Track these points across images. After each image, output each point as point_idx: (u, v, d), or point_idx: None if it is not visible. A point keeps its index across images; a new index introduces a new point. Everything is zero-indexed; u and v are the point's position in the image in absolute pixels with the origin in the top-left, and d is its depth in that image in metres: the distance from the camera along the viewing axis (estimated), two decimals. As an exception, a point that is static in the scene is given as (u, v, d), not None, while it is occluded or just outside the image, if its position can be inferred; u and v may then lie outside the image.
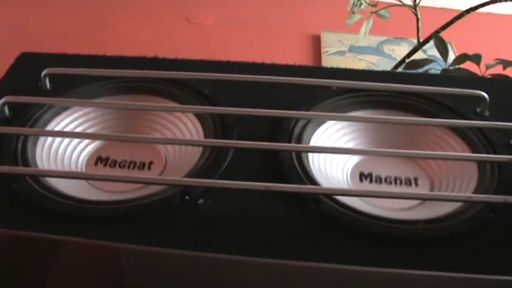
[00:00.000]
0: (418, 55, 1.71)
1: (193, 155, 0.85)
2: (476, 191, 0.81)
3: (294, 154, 0.83)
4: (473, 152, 0.86)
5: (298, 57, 2.33)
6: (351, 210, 0.76)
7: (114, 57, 1.02)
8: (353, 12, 1.70)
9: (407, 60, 1.66)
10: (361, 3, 1.68)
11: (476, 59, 1.41)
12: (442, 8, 2.57)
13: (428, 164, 0.89)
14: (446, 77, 1.27)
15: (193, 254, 0.72)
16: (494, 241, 0.73)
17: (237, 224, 0.75)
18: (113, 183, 0.82)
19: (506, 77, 1.25)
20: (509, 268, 0.70)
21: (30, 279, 0.83)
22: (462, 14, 1.60)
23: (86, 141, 0.90)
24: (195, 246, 0.72)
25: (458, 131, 0.89)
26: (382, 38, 2.40)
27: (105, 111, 0.93)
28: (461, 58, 1.44)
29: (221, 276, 0.77)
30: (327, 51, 2.32)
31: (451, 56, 1.50)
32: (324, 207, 0.76)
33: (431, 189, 0.86)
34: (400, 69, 1.71)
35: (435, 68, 1.51)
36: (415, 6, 1.70)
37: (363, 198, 0.83)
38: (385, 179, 0.87)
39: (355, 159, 0.90)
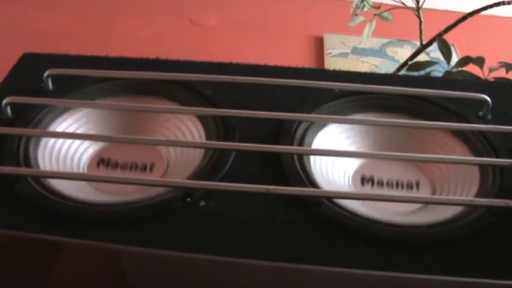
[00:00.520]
0: (421, 58, 1.71)
1: (195, 156, 0.85)
2: (477, 195, 0.81)
3: (295, 157, 0.83)
4: (475, 156, 0.86)
5: (301, 59, 2.32)
6: (352, 213, 0.76)
7: (117, 58, 1.02)
8: (356, 15, 1.69)
9: (410, 63, 1.66)
10: (364, 6, 1.67)
11: (480, 61, 1.41)
12: (445, 11, 2.57)
13: (430, 168, 0.89)
14: (449, 80, 1.27)
15: (194, 256, 0.72)
16: (495, 245, 0.73)
17: (238, 226, 0.75)
18: (114, 185, 0.82)
19: (509, 80, 1.25)
20: (509, 272, 0.70)
21: (32, 280, 0.84)
22: (465, 17, 1.60)
23: (88, 142, 0.90)
24: (196, 249, 0.72)
25: (460, 134, 0.89)
26: (385, 40, 2.39)
27: (107, 112, 0.93)
28: (464, 61, 1.44)
29: (222, 279, 0.77)
30: (329, 53, 2.32)
31: (454, 59, 1.50)
32: (325, 210, 0.76)
33: (433, 193, 0.86)
34: (402, 72, 1.70)
35: (438, 70, 1.51)
36: (418, 8, 1.70)
37: (365, 201, 0.82)
38: (387, 183, 0.87)
39: (356, 162, 0.90)
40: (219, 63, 1.02)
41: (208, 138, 0.88)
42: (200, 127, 0.90)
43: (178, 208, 0.76)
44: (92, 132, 0.92)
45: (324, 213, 0.76)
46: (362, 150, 0.92)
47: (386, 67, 2.20)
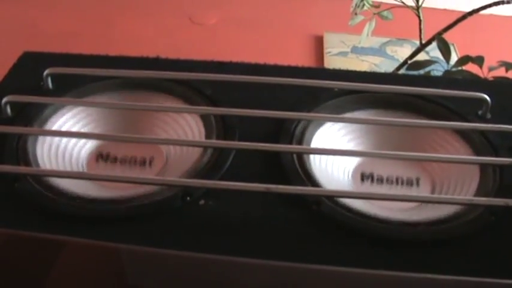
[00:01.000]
0: (421, 57, 1.71)
1: (195, 152, 0.85)
2: (477, 193, 0.81)
3: (295, 155, 0.83)
4: (475, 154, 0.86)
5: (301, 57, 2.33)
6: (352, 212, 0.76)
7: (117, 57, 1.02)
8: (355, 14, 1.70)
9: (409, 62, 1.66)
10: (363, 5, 1.68)
11: (479, 61, 1.41)
12: (445, 10, 2.57)
13: (430, 165, 0.89)
14: (449, 79, 1.28)
15: (193, 255, 0.72)
16: (494, 244, 0.73)
17: (238, 225, 0.75)
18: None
19: (509, 79, 1.25)
20: (509, 271, 0.70)
21: (31, 279, 0.83)
22: (465, 16, 1.60)
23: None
24: (195, 247, 0.72)
25: (460, 132, 0.89)
26: (385, 39, 2.40)
27: (107, 110, 0.93)
28: (464, 60, 1.44)
29: (222, 278, 0.77)
30: (329, 52, 2.32)
31: (454, 58, 1.50)
32: (325, 208, 0.76)
33: (433, 190, 0.86)
34: (402, 71, 1.71)
35: (437, 70, 1.51)
36: (417, 7, 1.70)
37: (364, 199, 0.83)
38: (387, 179, 0.87)
39: (356, 159, 0.90)
40: (218, 62, 1.02)
41: (208, 136, 0.88)
42: (200, 124, 0.90)
43: (177, 207, 0.76)
44: (91, 128, 0.92)
45: (323, 211, 0.76)
46: (361, 146, 0.92)
47: (386, 66, 2.21)
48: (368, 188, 0.87)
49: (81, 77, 0.94)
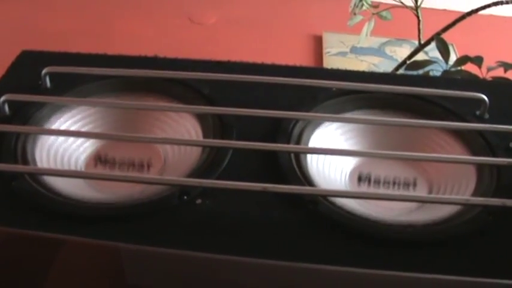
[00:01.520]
0: (420, 57, 1.71)
1: (192, 154, 0.85)
2: (474, 194, 0.81)
3: (292, 155, 0.83)
4: (473, 154, 0.86)
5: (300, 57, 2.33)
6: (349, 212, 0.76)
7: (115, 56, 1.03)
8: (354, 14, 1.70)
9: (408, 62, 1.66)
10: (362, 5, 1.68)
11: (478, 61, 1.41)
12: (444, 10, 2.57)
13: (427, 165, 0.89)
14: (447, 79, 1.28)
15: (191, 254, 0.72)
16: (491, 244, 0.73)
17: (235, 224, 0.75)
18: (111, 182, 0.82)
19: (507, 79, 1.25)
20: (507, 271, 0.70)
21: (28, 278, 0.83)
22: (464, 16, 1.60)
23: (85, 139, 0.91)
24: (192, 246, 0.72)
25: (457, 132, 0.89)
26: (384, 40, 2.40)
27: (105, 109, 0.93)
28: (463, 60, 1.44)
29: (218, 277, 0.77)
30: (328, 52, 2.32)
31: (453, 58, 1.50)
32: (322, 208, 0.76)
33: (430, 191, 0.86)
34: (401, 71, 1.71)
35: (436, 70, 1.51)
36: (416, 7, 1.71)
37: (361, 199, 0.82)
38: (384, 181, 0.87)
39: (354, 160, 0.90)
40: (217, 61, 1.02)
41: (205, 136, 0.88)
42: (197, 125, 0.90)
43: (175, 206, 0.76)
44: (89, 128, 0.92)
45: (320, 211, 0.76)
46: (359, 147, 0.92)
47: (385, 66, 2.21)
48: (365, 189, 0.87)
49: (80, 76, 0.94)
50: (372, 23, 1.74)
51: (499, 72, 1.37)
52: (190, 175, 0.80)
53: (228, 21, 2.57)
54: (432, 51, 1.90)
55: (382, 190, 0.86)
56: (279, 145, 0.85)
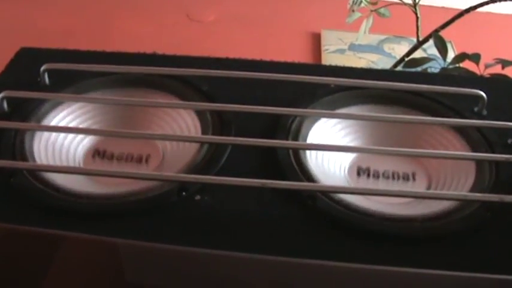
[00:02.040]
0: (418, 54, 1.72)
1: (191, 149, 0.85)
2: (473, 189, 0.81)
3: (291, 151, 0.83)
4: (472, 149, 0.87)
5: (299, 55, 2.33)
6: (348, 207, 0.76)
7: (113, 53, 1.03)
8: (353, 11, 1.70)
9: (406, 59, 1.66)
10: (361, 2, 1.68)
11: (475, 58, 1.41)
12: (443, 7, 2.57)
13: (426, 160, 0.89)
14: (445, 76, 1.28)
15: (189, 250, 0.72)
16: (489, 240, 0.74)
17: (234, 220, 0.75)
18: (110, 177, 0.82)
19: (505, 76, 1.25)
20: (504, 267, 0.71)
21: (27, 274, 0.84)
22: (462, 13, 1.60)
23: (84, 135, 0.91)
24: (191, 243, 0.72)
25: (456, 128, 0.89)
26: (382, 37, 2.40)
27: (104, 106, 0.93)
28: (461, 57, 1.45)
29: (217, 273, 0.77)
30: (327, 49, 2.32)
31: (451, 55, 1.50)
32: (320, 204, 0.76)
33: (429, 185, 0.87)
34: (399, 68, 1.71)
35: (434, 67, 1.51)
36: (414, 5, 1.71)
37: (360, 194, 0.83)
38: (383, 174, 0.87)
39: (352, 154, 0.90)
40: (215, 58, 1.02)
41: (204, 132, 0.88)
42: (196, 120, 0.90)
43: (173, 202, 0.76)
44: (88, 124, 0.92)
45: (319, 207, 0.76)
46: (357, 142, 0.92)
47: (384, 63, 2.21)
48: (364, 183, 0.87)
49: (78, 73, 0.94)
50: (371, 20, 1.74)
51: (497, 69, 1.37)
52: (189, 171, 0.80)
53: (226, 19, 2.57)
54: (430, 49, 1.90)
55: (381, 183, 0.86)
56: (278, 141, 0.85)
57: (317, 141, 0.89)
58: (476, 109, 0.93)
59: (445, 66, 1.47)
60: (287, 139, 0.86)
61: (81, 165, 0.88)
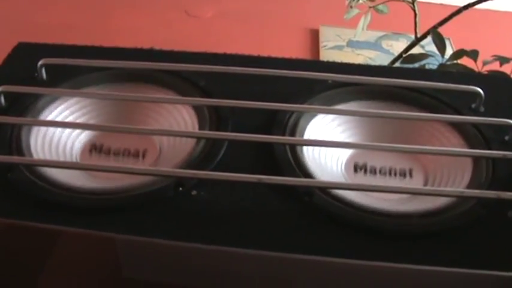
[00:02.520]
0: (416, 50, 1.71)
1: (188, 144, 0.85)
2: (470, 185, 0.81)
3: (288, 147, 0.83)
4: (469, 146, 0.87)
5: (297, 51, 2.32)
6: (344, 203, 0.76)
7: (111, 48, 1.02)
8: (351, 7, 1.70)
9: (404, 55, 1.66)
10: (358, -2, 1.68)
11: (474, 54, 1.41)
12: (441, 4, 2.57)
13: (423, 156, 0.89)
14: (443, 72, 1.28)
15: (185, 245, 0.72)
16: (485, 237, 0.74)
17: (230, 216, 0.75)
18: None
19: (503, 73, 1.25)
20: (500, 263, 0.71)
21: (24, 269, 0.84)
22: (460, 10, 1.60)
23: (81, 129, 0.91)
24: (187, 238, 0.72)
25: (453, 125, 0.90)
26: (381, 33, 2.39)
27: (101, 100, 0.93)
28: (459, 54, 1.44)
29: (213, 268, 0.77)
30: (325, 46, 2.32)
31: (450, 52, 1.50)
32: (317, 200, 0.76)
33: (426, 181, 0.87)
34: (397, 64, 1.70)
35: (432, 63, 1.51)
36: (413, 1, 1.70)
37: (356, 189, 0.83)
38: (380, 170, 0.87)
39: (349, 150, 0.90)
40: (213, 54, 1.02)
41: (201, 127, 0.88)
42: (193, 115, 0.90)
43: (170, 197, 0.76)
44: (85, 119, 0.92)
45: (315, 203, 0.76)
46: (354, 138, 0.92)
47: (382, 60, 2.21)
48: (361, 179, 0.87)
49: (75, 68, 0.94)
50: (369, 17, 1.73)
51: (495, 66, 1.37)
52: (185, 166, 0.80)
53: (224, 15, 2.56)
54: (429, 45, 1.89)
55: (378, 179, 0.86)
56: (275, 137, 0.85)
57: (314, 137, 0.89)
58: (473, 106, 0.93)
59: (443, 62, 1.47)
60: (284, 135, 0.86)
61: (78, 160, 0.88)
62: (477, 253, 0.72)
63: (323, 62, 1.09)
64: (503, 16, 2.59)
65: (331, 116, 0.92)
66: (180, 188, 0.77)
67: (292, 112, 0.89)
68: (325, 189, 0.78)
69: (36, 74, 0.94)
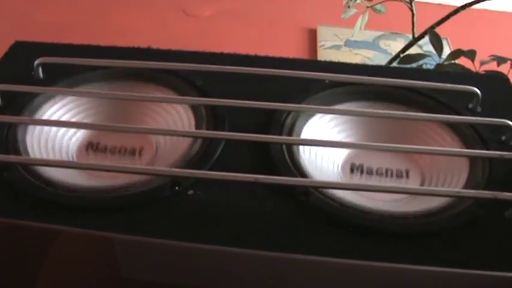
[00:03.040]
0: (414, 50, 1.71)
1: (184, 143, 0.85)
2: (466, 185, 0.81)
3: (284, 146, 0.83)
4: (466, 146, 0.87)
5: (294, 50, 2.33)
6: (341, 203, 0.76)
7: (108, 47, 1.02)
8: (348, 7, 1.70)
9: (401, 55, 1.66)
10: (356, -2, 1.68)
11: (471, 55, 1.41)
12: (439, 4, 2.57)
13: (419, 157, 0.89)
14: (440, 72, 1.28)
15: (182, 245, 0.72)
16: (482, 237, 0.74)
17: (227, 215, 0.75)
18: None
19: (500, 73, 1.25)
20: (497, 264, 0.71)
21: (21, 269, 0.83)
22: (457, 10, 1.60)
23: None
24: (184, 237, 0.72)
25: (450, 125, 0.89)
26: (378, 33, 2.40)
27: (98, 99, 0.93)
28: (456, 54, 1.45)
29: (210, 267, 0.77)
30: (322, 45, 2.32)
31: (447, 52, 1.50)
32: (314, 200, 0.76)
33: (423, 182, 0.87)
34: (394, 64, 1.71)
35: (430, 63, 1.51)
36: (410, 1, 1.70)
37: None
38: (376, 171, 0.87)
39: (346, 150, 0.90)
40: (210, 53, 1.02)
41: (198, 125, 0.88)
42: (190, 114, 0.90)
43: (166, 197, 0.76)
44: (81, 117, 0.92)
45: (312, 202, 0.76)
46: (351, 138, 0.92)
47: (379, 60, 2.21)
48: (357, 179, 0.87)
49: (72, 67, 0.94)
50: (366, 17, 1.73)
51: (492, 66, 1.38)
52: (182, 165, 0.80)
53: (222, 14, 2.57)
54: (426, 45, 1.90)
55: (374, 180, 0.86)
56: (271, 136, 0.85)
57: (311, 138, 0.89)
58: (470, 106, 0.93)
59: (440, 62, 1.47)
60: (281, 134, 0.86)
61: (75, 158, 0.88)
62: (474, 253, 0.72)
63: (320, 61, 1.08)
64: (501, 16, 2.59)
65: (328, 117, 0.92)
66: (177, 188, 0.77)
67: (290, 112, 0.89)
68: (321, 189, 0.78)
69: (32, 73, 0.94)
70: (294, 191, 0.77)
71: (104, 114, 0.93)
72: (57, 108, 0.91)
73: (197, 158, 0.81)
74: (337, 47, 2.30)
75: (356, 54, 2.27)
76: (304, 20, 2.52)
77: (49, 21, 2.39)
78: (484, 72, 1.34)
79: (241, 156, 0.83)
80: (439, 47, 1.46)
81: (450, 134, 0.89)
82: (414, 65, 1.49)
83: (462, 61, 1.45)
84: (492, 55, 1.41)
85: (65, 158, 0.87)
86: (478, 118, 0.89)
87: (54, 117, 0.91)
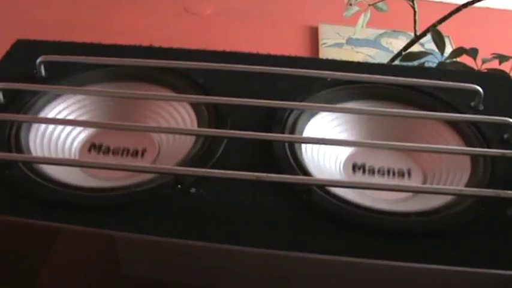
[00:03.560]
0: (416, 48, 1.71)
1: (187, 143, 0.85)
2: (468, 184, 0.81)
3: (287, 144, 0.83)
4: (467, 145, 0.87)
5: (296, 48, 2.33)
6: (343, 201, 0.76)
7: (110, 46, 1.02)
8: (350, 5, 1.70)
9: (403, 53, 1.66)
10: (358, -4, 1.68)
11: (473, 53, 1.41)
12: (440, 2, 2.57)
13: (421, 156, 0.89)
14: (442, 71, 1.27)
15: (184, 243, 0.72)
16: (484, 235, 0.74)
17: (229, 213, 0.75)
18: (106, 170, 0.82)
19: (502, 71, 1.25)
20: (499, 262, 0.71)
21: (22, 267, 0.83)
22: (459, 8, 1.60)
23: (80, 127, 0.91)
24: (186, 235, 0.72)
25: (452, 123, 0.89)
26: (380, 31, 2.40)
27: (100, 98, 0.93)
28: (458, 52, 1.44)
29: (212, 265, 0.77)
30: (324, 43, 2.32)
31: (449, 50, 1.50)
32: (316, 198, 0.76)
33: (424, 181, 0.87)
34: (396, 62, 1.70)
35: (432, 61, 1.51)
36: (412, -1, 1.70)
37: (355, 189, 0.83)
38: (378, 170, 0.87)
39: (348, 149, 0.90)
40: (212, 51, 1.02)
41: (200, 125, 0.88)
42: (192, 113, 0.90)
43: (169, 195, 0.76)
44: (84, 117, 0.92)
45: (314, 201, 0.76)
46: (353, 137, 0.92)
47: (381, 58, 2.21)
48: (359, 178, 0.87)
49: (74, 65, 0.94)
50: (368, 15, 1.73)
51: (494, 64, 1.38)
52: (184, 164, 0.80)
53: (224, 12, 2.57)
54: (428, 43, 1.90)
55: (376, 179, 0.86)
56: (274, 134, 0.85)
57: (313, 136, 0.89)
58: (472, 104, 0.93)
59: (443, 60, 1.47)
60: (283, 133, 0.86)
61: (77, 156, 0.88)
62: (476, 251, 0.72)
63: (322, 59, 1.09)
64: (503, 14, 2.59)
65: (330, 116, 0.92)
66: (179, 186, 0.77)
67: (292, 110, 0.89)
68: (323, 188, 0.78)
69: (35, 71, 0.94)
70: (296, 189, 0.77)
71: (106, 114, 0.93)
72: (60, 108, 0.91)
73: (199, 157, 0.81)
74: (339, 45, 2.30)
75: (358, 52, 2.27)
76: (306, 18, 2.52)
77: (51, 19, 2.39)
78: (486, 71, 1.34)
79: (243, 154, 0.83)
80: (441, 45, 1.46)
81: (452, 132, 0.89)
82: (416, 63, 1.49)
83: (464, 59, 1.45)
84: (494, 53, 1.41)
85: (67, 158, 0.87)
86: (480, 116, 0.89)
87: (57, 116, 0.91)
